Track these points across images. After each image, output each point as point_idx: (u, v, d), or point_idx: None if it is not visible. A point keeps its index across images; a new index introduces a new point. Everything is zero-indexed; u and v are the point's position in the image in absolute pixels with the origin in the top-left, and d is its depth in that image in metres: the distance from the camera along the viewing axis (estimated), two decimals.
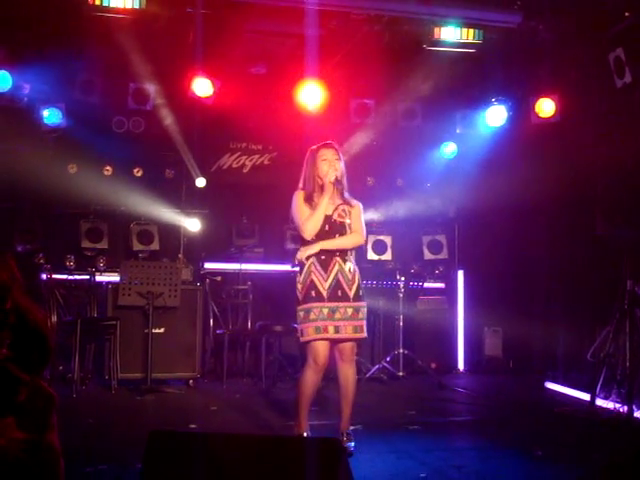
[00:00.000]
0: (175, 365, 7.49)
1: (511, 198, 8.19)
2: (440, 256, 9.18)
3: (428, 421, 5.98)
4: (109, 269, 7.95)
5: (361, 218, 4.94)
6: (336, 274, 4.74)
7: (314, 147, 4.94)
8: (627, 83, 6.77)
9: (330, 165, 4.81)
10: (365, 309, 4.86)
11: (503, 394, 7.52)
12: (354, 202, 4.94)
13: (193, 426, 5.56)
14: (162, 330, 7.43)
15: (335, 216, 4.82)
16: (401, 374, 8.00)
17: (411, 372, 8.12)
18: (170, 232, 8.64)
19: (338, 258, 4.77)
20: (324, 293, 4.71)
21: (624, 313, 6.22)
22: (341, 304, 4.72)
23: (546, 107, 8.08)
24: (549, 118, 8.12)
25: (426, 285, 8.64)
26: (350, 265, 4.81)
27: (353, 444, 4.80)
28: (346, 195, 4.92)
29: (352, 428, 4.96)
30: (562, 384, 7.48)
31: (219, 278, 8.31)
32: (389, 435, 5.30)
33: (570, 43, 7.61)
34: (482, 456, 4.92)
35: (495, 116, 8.55)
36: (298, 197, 4.90)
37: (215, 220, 8.86)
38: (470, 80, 8.54)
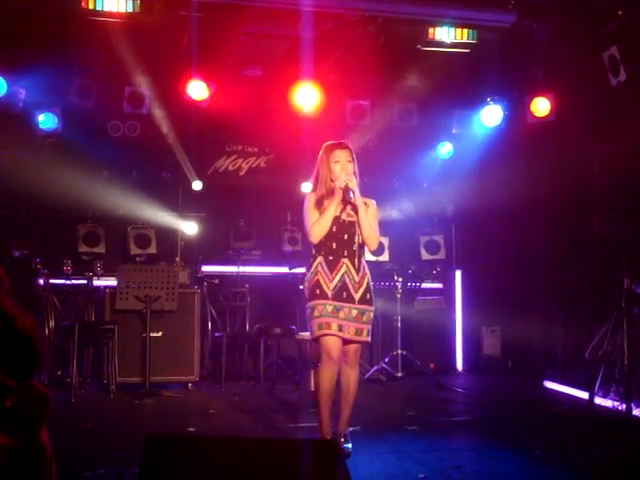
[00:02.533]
0: (173, 369, 7.48)
1: (508, 197, 8.20)
2: (438, 256, 9.18)
3: (427, 421, 5.98)
4: (106, 273, 7.91)
5: (376, 219, 4.85)
6: (342, 275, 4.69)
7: (328, 144, 4.83)
8: (622, 81, 6.78)
9: (342, 168, 4.71)
10: (371, 314, 4.78)
11: (502, 393, 7.52)
12: (368, 201, 4.83)
13: (192, 429, 5.56)
14: (160, 334, 7.42)
15: (344, 216, 4.74)
16: (400, 375, 8.01)
17: (410, 373, 8.12)
18: (167, 235, 8.64)
19: (346, 259, 4.71)
20: (328, 293, 4.66)
21: (621, 311, 6.22)
22: (345, 304, 4.67)
23: (541, 106, 8.09)
24: (545, 117, 8.14)
25: (424, 285, 8.65)
26: (360, 267, 4.74)
27: (350, 445, 4.78)
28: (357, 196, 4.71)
29: (351, 429, 4.96)
30: (561, 383, 7.47)
31: (217, 281, 8.31)
32: (388, 436, 5.30)
33: (564, 42, 7.62)
34: (481, 456, 4.93)
35: (491, 116, 8.55)
36: (308, 200, 4.82)
37: (212, 223, 8.85)
38: (465, 80, 8.54)
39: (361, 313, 4.71)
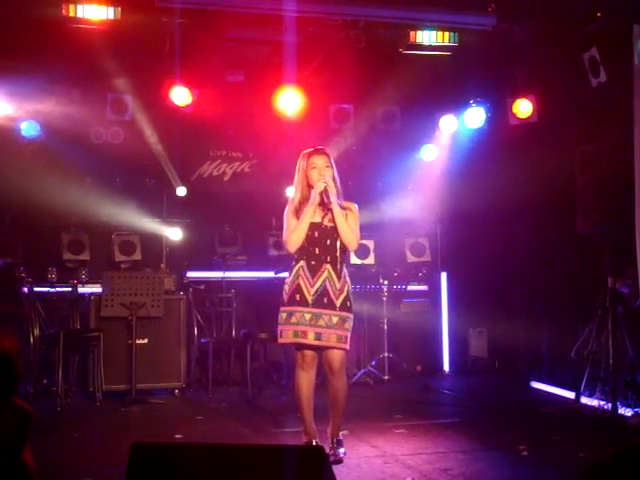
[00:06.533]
0: (160, 375, 7.45)
1: (492, 199, 8.23)
2: (423, 259, 9.17)
3: (414, 424, 5.98)
4: (91, 280, 7.86)
5: (357, 222, 4.81)
6: (324, 281, 4.69)
7: (306, 152, 4.86)
8: (602, 82, 6.83)
9: (320, 173, 4.72)
10: (351, 322, 4.76)
11: (489, 395, 7.55)
12: (350, 205, 4.82)
13: (179, 436, 5.53)
14: (146, 340, 7.39)
15: (325, 221, 4.75)
16: (387, 378, 8.01)
17: (397, 375, 8.12)
18: (152, 242, 8.59)
19: (328, 265, 4.71)
20: (309, 299, 4.67)
21: (606, 310, 6.27)
22: (326, 311, 4.67)
23: (523, 108, 8.12)
24: (527, 119, 8.17)
25: (410, 288, 8.65)
26: (342, 274, 4.74)
27: (343, 450, 4.79)
28: (339, 201, 4.76)
29: (340, 434, 4.95)
30: (547, 383, 7.51)
31: (202, 286, 8.28)
32: (375, 439, 5.30)
33: (545, 44, 7.67)
34: (469, 458, 4.92)
35: (474, 118, 8.58)
36: (287, 209, 4.84)
37: (197, 229, 8.82)
38: (448, 83, 8.58)
39: (343, 320, 4.70)
